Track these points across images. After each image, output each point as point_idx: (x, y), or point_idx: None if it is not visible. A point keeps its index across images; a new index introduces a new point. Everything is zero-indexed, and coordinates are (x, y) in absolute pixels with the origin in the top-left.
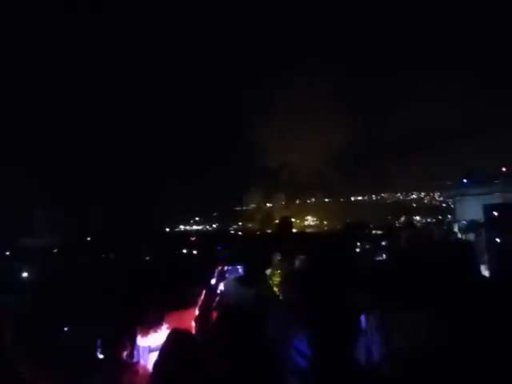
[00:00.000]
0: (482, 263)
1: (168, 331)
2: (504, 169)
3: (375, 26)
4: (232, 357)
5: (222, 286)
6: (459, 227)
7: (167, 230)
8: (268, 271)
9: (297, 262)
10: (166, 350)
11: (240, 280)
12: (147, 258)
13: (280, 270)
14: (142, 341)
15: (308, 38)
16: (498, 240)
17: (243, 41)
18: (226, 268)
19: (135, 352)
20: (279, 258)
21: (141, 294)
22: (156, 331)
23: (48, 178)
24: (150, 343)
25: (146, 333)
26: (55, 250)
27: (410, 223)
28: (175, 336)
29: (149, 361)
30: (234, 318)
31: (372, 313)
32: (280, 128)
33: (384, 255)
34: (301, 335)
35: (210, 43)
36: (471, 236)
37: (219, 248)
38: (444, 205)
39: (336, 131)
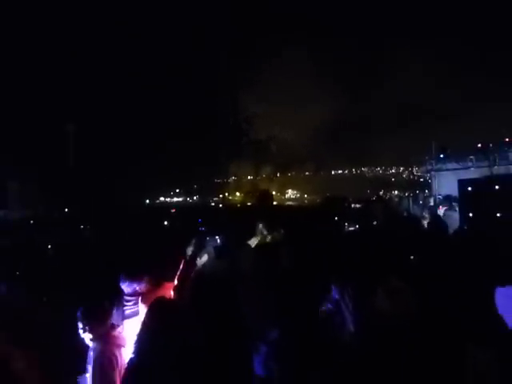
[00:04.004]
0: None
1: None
2: (479, 145)
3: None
4: (206, 324)
5: (199, 257)
6: (435, 201)
7: (147, 201)
8: (252, 241)
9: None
10: (150, 317)
11: (215, 252)
12: (126, 230)
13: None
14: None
15: (296, 11)
16: (470, 214)
17: (231, 13)
18: (204, 239)
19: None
20: (263, 228)
21: (119, 265)
22: (131, 301)
23: (23, 149)
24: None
25: (120, 303)
26: (31, 222)
27: (378, 197)
28: (159, 303)
29: (123, 328)
30: (205, 289)
31: (344, 282)
32: (264, 101)
33: (357, 225)
34: (271, 310)
35: (198, 12)
36: (443, 210)
37: (200, 221)
38: (422, 179)
39: (318, 105)
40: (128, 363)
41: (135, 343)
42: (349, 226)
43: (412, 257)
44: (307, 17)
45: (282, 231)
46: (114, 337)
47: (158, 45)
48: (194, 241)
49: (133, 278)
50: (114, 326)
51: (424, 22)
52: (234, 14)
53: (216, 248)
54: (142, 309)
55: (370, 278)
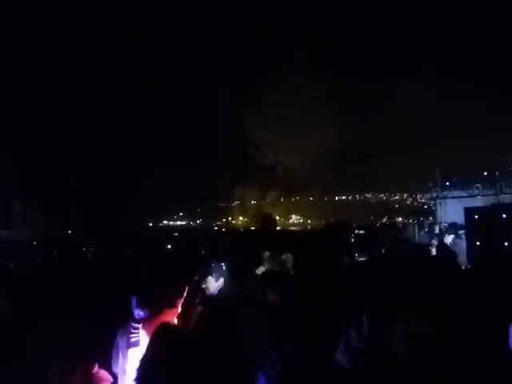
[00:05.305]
0: (462, 265)
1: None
2: (485, 173)
3: (365, 29)
4: (211, 354)
5: (205, 283)
6: (440, 229)
7: (150, 224)
8: (259, 270)
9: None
10: (153, 343)
11: (229, 278)
12: (129, 252)
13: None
14: (122, 338)
15: (301, 38)
16: (477, 243)
17: (238, 40)
18: (209, 265)
19: (114, 349)
20: (268, 255)
21: (122, 291)
22: (138, 328)
23: (26, 169)
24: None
25: (127, 330)
26: (34, 243)
27: (392, 224)
28: (162, 329)
29: (128, 356)
30: (214, 318)
31: (354, 313)
32: (271, 125)
33: (367, 256)
34: (276, 339)
35: (205, 39)
36: (451, 238)
37: (203, 245)
38: (425, 206)
39: (324, 132)
40: None
41: (137, 370)
42: (359, 257)
43: (425, 290)
44: (313, 46)
45: (290, 256)
46: (94, 374)
47: (164, 63)
48: (199, 267)
49: (148, 303)
50: (89, 363)
51: (426, 51)
52: (240, 39)
53: (222, 275)
54: (143, 335)
55: (385, 311)
